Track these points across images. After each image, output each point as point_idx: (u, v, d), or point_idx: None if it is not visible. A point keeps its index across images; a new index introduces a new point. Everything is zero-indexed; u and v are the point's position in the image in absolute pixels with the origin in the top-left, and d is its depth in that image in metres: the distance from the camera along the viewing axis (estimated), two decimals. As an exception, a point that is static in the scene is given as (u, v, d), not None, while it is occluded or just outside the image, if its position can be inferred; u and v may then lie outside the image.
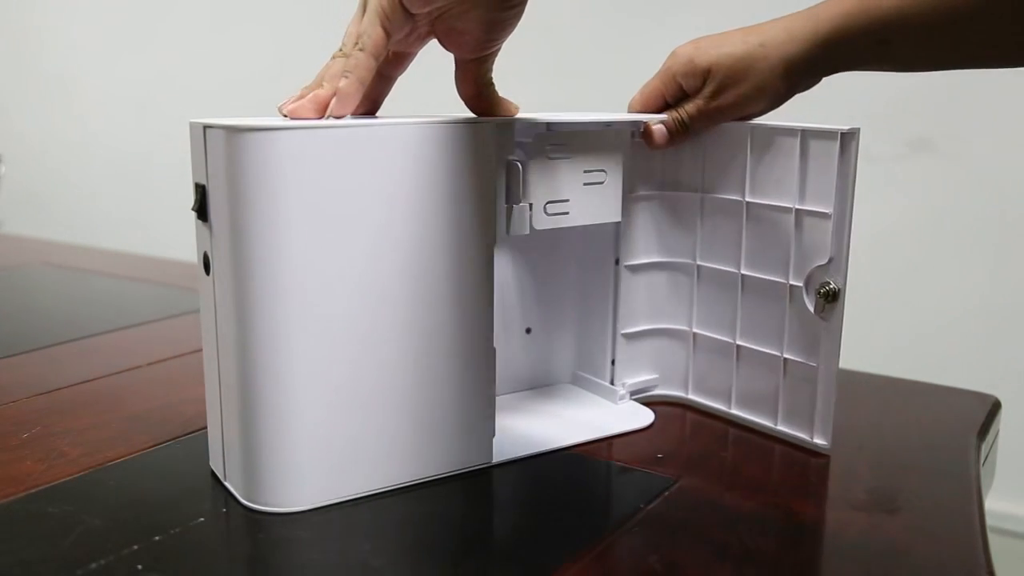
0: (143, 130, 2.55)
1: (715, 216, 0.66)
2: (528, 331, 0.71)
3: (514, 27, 0.54)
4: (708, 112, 0.63)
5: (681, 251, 0.68)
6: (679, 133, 0.64)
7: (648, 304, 0.69)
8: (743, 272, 0.65)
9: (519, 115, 0.58)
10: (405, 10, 0.51)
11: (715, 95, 0.62)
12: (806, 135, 0.60)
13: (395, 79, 0.58)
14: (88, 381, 0.75)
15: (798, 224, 0.61)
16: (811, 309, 0.61)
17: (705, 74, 0.62)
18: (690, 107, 0.64)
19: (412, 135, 0.52)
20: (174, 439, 0.62)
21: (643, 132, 0.65)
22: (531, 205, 0.59)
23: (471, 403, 0.57)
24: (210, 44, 2.40)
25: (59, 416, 0.67)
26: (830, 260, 0.59)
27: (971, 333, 1.58)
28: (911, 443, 0.64)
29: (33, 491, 0.54)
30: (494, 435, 0.58)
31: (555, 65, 1.83)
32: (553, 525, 0.51)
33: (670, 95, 0.65)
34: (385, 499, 0.54)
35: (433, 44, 0.56)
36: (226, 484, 0.55)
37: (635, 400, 0.70)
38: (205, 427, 0.58)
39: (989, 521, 0.53)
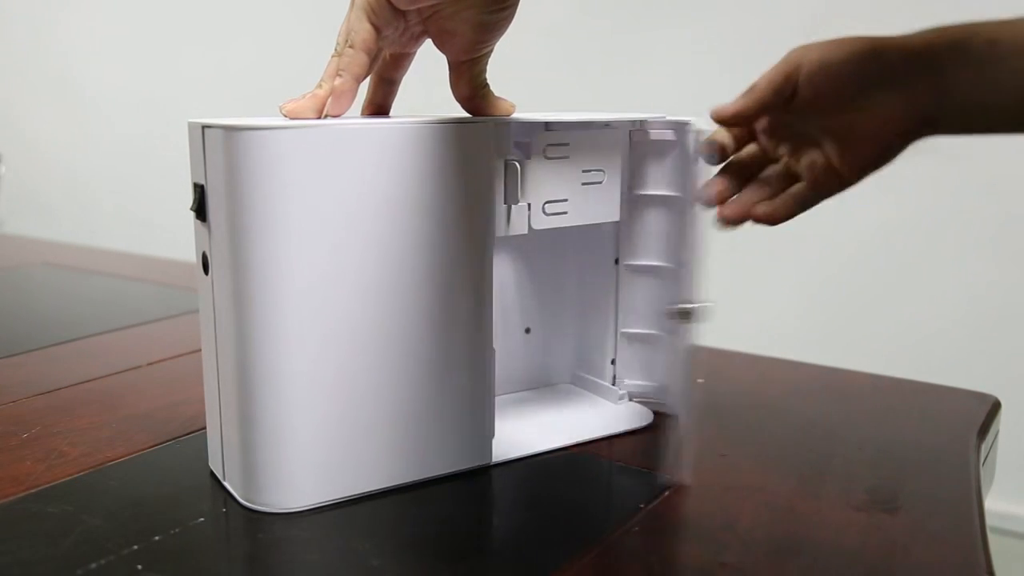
0: (142, 130, 2.55)
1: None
2: (527, 331, 0.71)
3: (505, 29, 0.54)
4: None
5: (674, 255, 0.67)
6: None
7: (647, 307, 0.69)
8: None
9: (517, 114, 0.58)
10: (392, 6, 0.51)
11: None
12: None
13: (399, 82, 0.58)
14: (88, 381, 0.75)
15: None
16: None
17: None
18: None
19: (410, 135, 0.52)
20: (174, 439, 0.62)
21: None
22: (529, 205, 0.59)
23: (470, 403, 0.57)
24: (210, 45, 2.40)
25: (59, 416, 0.67)
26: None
27: (971, 333, 1.58)
28: (911, 443, 0.64)
29: (33, 491, 0.54)
30: (493, 435, 0.58)
31: (553, 64, 1.82)
32: (553, 525, 0.51)
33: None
34: (384, 499, 0.54)
35: (431, 44, 0.55)
36: (225, 484, 0.55)
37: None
38: (205, 427, 0.58)
39: (989, 521, 0.53)
